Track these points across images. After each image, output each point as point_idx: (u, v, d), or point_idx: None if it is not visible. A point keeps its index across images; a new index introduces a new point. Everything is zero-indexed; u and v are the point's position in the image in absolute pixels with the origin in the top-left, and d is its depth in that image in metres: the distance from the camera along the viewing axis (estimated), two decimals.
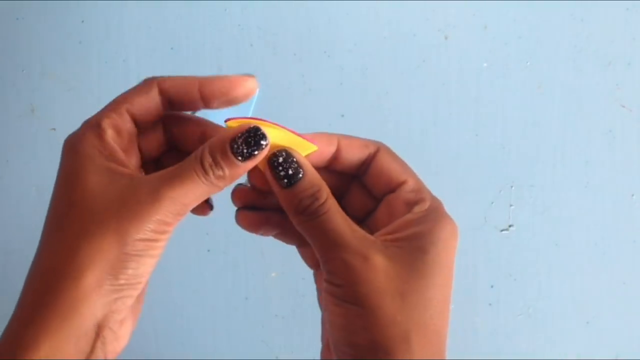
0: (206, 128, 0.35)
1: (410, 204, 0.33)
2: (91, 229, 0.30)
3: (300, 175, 0.33)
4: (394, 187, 0.34)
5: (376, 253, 0.31)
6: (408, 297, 0.31)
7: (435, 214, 0.33)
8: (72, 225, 0.30)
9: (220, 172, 0.32)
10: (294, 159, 0.33)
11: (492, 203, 0.57)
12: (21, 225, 0.56)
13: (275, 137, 0.33)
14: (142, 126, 0.34)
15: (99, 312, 0.30)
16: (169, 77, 0.34)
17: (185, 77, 0.34)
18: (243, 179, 0.36)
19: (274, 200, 0.34)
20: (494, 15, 0.56)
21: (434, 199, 0.34)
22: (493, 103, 0.56)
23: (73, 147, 0.32)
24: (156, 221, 0.31)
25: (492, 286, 0.58)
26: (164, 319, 0.58)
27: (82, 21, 0.56)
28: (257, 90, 0.57)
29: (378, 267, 0.31)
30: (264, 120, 0.33)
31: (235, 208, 0.37)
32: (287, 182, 0.33)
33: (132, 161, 0.34)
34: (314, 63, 0.56)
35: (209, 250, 0.57)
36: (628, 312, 0.58)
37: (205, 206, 0.36)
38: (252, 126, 0.32)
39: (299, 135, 0.34)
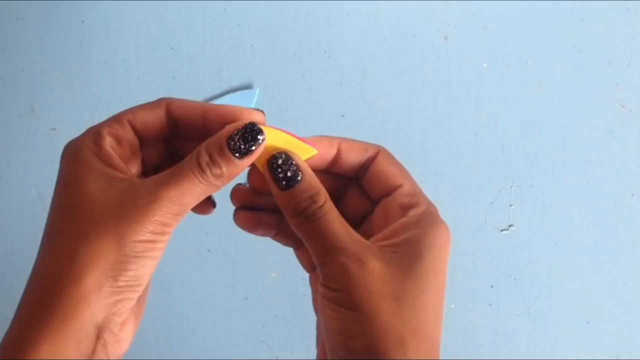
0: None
1: (405, 208, 0.33)
2: (90, 231, 0.30)
3: (299, 178, 0.33)
4: (390, 191, 0.35)
5: (373, 258, 0.31)
6: (404, 301, 0.31)
7: (429, 219, 0.33)
8: (71, 229, 0.31)
9: (217, 171, 0.32)
10: (293, 162, 0.33)
11: (492, 203, 0.57)
12: (21, 225, 0.56)
13: (276, 140, 0.33)
14: (144, 139, 0.34)
15: (99, 314, 0.30)
16: (179, 100, 0.34)
17: (193, 103, 0.34)
18: (242, 178, 0.36)
19: (273, 201, 0.34)
20: (494, 15, 0.56)
21: (429, 204, 0.34)
22: (493, 103, 0.56)
23: (72, 153, 0.32)
24: (155, 222, 0.31)
25: (492, 286, 0.58)
26: (164, 319, 0.58)
27: (82, 21, 0.56)
28: (258, 90, 0.57)
29: (374, 272, 0.31)
30: (265, 125, 0.33)
31: (234, 208, 0.37)
32: (285, 184, 0.33)
33: (132, 169, 0.35)
34: (314, 63, 0.56)
35: (209, 250, 0.57)
36: (628, 312, 0.58)
37: (208, 204, 0.36)
38: (248, 122, 0.32)
39: (300, 139, 0.34)
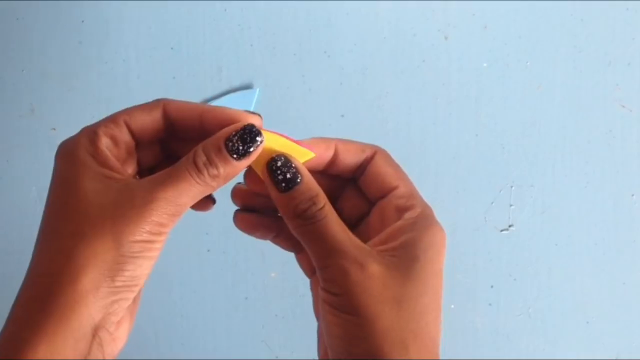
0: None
1: (401, 210, 0.33)
2: (87, 231, 0.30)
3: (298, 180, 0.33)
4: (386, 192, 0.35)
5: (372, 261, 0.31)
6: (404, 305, 0.31)
7: (425, 221, 0.33)
8: (68, 229, 0.31)
9: (214, 171, 0.32)
10: (292, 164, 0.33)
11: (492, 203, 0.57)
12: (21, 225, 0.56)
13: (273, 143, 0.33)
14: (140, 140, 0.34)
15: (97, 314, 0.30)
16: (176, 101, 0.34)
17: (190, 104, 0.34)
18: (241, 179, 0.36)
19: (272, 203, 0.34)
20: (494, 15, 0.56)
21: (425, 206, 0.34)
22: (493, 103, 0.56)
23: (67, 152, 0.32)
24: (151, 222, 0.31)
25: (492, 286, 0.58)
26: (164, 319, 0.58)
27: (82, 21, 0.56)
28: (258, 90, 0.57)
29: (375, 276, 0.31)
30: (262, 128, 0.33)
31: (234, 209, 0.37)
32: (285, 186, 0.33)
33: (128, 170, 0.34)
34: (314, 63, 0.56)
35: (209, 250, 0.57)
36: (628, 312, 0.58)
37: (207, 201, 0.36)
38: (247, 124, 0.32)
39: (296, 142, 0.34)
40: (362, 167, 0.35)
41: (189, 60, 0.56)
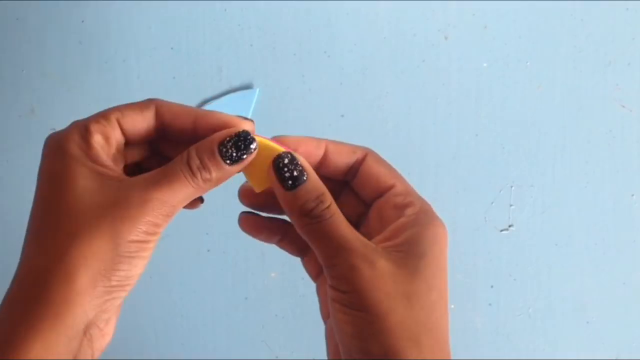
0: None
1: (400, 208, 0.34)
2: (84, 230, 0.30)
3: (305, 178, 0.33)
4: (382, 192, 0.35)
5: (380, 258, 0.31)
6: (414, 300, 0.31)
7: (426, 216, 0.33)
8: (63, 226, 0.30)
9: (207, 175, 0.32)
10: (298, 162, 0.33)
11: (492, 203, 0.57)
12: (21, 225, 0.56)
13: (264, 150, 0.34)
14: (130, 139, 0.34)
15: (91, 313, 0.30)
16: (168, 103, 0.34)
17: (183, 107, 0.34)
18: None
19: (278, 206, 0.34)
20: (494, 15, 0.56)
21: (423, 202, 0.34)
22: (493, 103, 0.56)
23: (58, 147, 0.32)
24: (147, 223, 0.31)
25: (492, 286, 0.58)
26: (164, 319, 0.58)
27: (82, 21, 0.56)
28: (257, 90, 0.57)
29: (385, 272, 0.31)
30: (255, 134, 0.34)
31: (238, 211, 0.37)
32: (291, 184, 0.33)
33: (118, 167, 0.34)
34: (314, 63, 0.56)
35: (209, 250, 0.57)
36: (628, 312, 0.58)
37: (196, 200, 0.36)
38: (241, 130, 0.33)
39: (288, 149, 0.34)
40: (354, 169, 0.35)
41: (189, 60, 0.56)
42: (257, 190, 0.35)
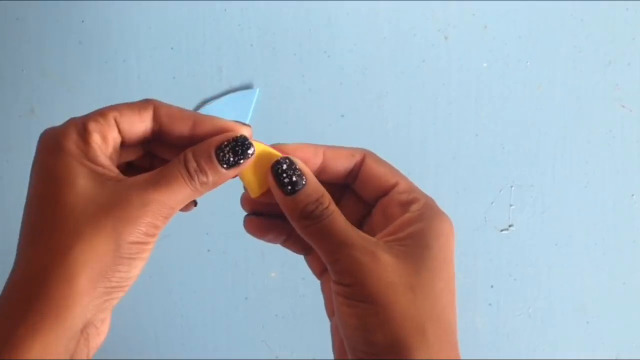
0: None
1: (405, 205, 0.34)
2: (85, 230, 0.30)
3: (304, 182, 0.33)
4: (386, 191, 0.35)
5: (382, 251, 0.32)
6: (418, 290, 0.31)
7: (431, 211, 0.33)
8: (64, 225, 0.30)
9: (204, 179, 0.32)
10: (297, 166, 0.33)
11: (492, 203, 0.57)
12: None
13: (261, 155, 0.34)
14: (127, 140, 0.34)
15: (90, 313, 0.30)
16: (167, 105, 0.34)
17: (181, 110, 0.34)
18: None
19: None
20: (494, 15, 0.56)
21: (427, 197, 0.34)
22: (493, 103, 0.56)
23: (55, 144, 0.32)
24: (147, 224, 0.31)
25: (492, 286, 0.58)
26: (164, 319, 0.58)
27: (82, 21, 0.56)
28: (258, 90, 0.57)
29: (387, 264, 0.31)
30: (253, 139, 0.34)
31: (238, 211, 0.37)
32: (291, 189, 0.33)
33: (114, 167, 0.34)
34: (314, 63, 0.56)
35: (209, 250, 0.57)
36: (628, 312, 0.58)
37: (190, 203, 0.36)
38: (239, 135, 0.33)
39: (283, 154, 0.34)
40: (354, 172, 0.35)
41: (189, 60, 0.56)
42: (253, 195, 0.35)
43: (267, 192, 0.34)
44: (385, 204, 0.35)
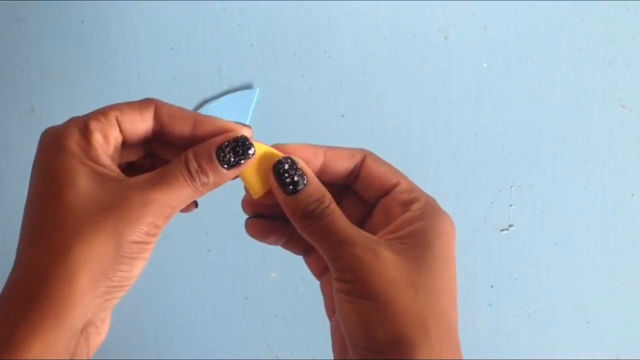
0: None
1: (406, 204, 0.34)
2: (86, 230, 0.30)
3: (305, 182, 0.33)
4: (387, 190, 0.35)
5: (383, 248, 0.32)
6: (420, 287, 0.31)
7: (432, 210, 0.34)
8: (65, 225, 0.30)
9: (205, 179, 0.32)
10: (298, 166, 0.33)
11: (492, 203, 0.57)
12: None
13: (261, 155, 0.34)
14: (128, 139, 0.34)
15: (90, 313, 0.30)
16: (168, 105, 0.34)
17: (182, 110, 0.34)
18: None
19: (282, 210, 0.34)
20: (494, 15, 0.56)
21: (428, 197, 0.35)
22: (493, 103, 0.56)
23: (57, 143, 0.32)
24: (148, 224, 0.31)
25: (492, 286, 0.58)
26: (164, 319, 0.58)
27: (82, 21, 0.56)
28: (258, 90, 0.57)
29: (388, 260, 0.31)
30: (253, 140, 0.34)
31: (238, 211, 0.37)
32: (292, 189, 0.33)
33: (115, 167, 0.34)
34: (314, 63, 0.56)
35: (209, 250, 0.57)
36: (628, 312, 0.58)
37: (191, 203, 0.36)
38: (240, 136, 0.33)
39: (284, 154, 0.34)
40: (355, 172, 0.36)
41: (189, 60, 0.56)
42: (255, 196, 0.35)
43: (268, 193, 0.34)
44: (387, 203, 0.35)
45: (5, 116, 0.57)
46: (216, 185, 0.33)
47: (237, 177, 0.34)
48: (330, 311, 0.36)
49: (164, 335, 0.58)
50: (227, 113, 0.55)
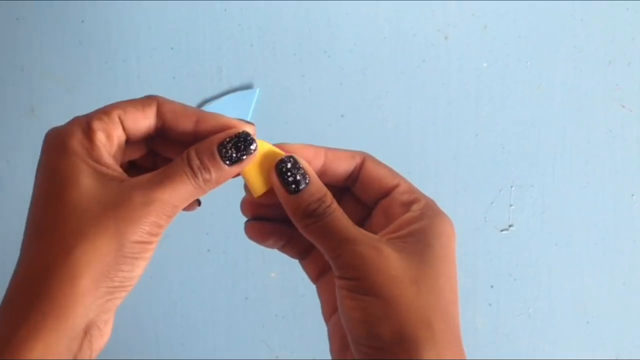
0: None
1: (406, 205, 0.34)
2: (89, 230, 0.30)
3: (307, 181, 0.33)
4: (387, 192, 0.35)
5: (385, 246, 0.32)
6: (422, 285, 0.31)
7: (432, 211, 0.34)
8: (67, 225, 0.30)
9: (207, 176, 0.32)
10: (301, 165, 0.33)
11: (492, 203, 0.57)
12: (21, 226, 0.56)
13: (263, 153, 0.34)
14: (131, 137, 0.34)
15: (92, 313, 0.30)
16: (170, 102, 0.34)
17: (185, 107, 0.34)
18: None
19: (281, 211, 0.34)
20: (494, 15, 0.56)
21: (428, 198, 0.35)
22: (493, 103, 0.56)
23: (60, 143, 0.32)
24: (150, 223, 0.31)
25: (492, 286, 0.58)
26: (164, 319, 0.58)
27: (82, 21, 0.56)
28: (258, 90, 0.57)
29: (390, 257, 0.31)
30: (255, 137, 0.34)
31: (238, 212, 0.37)
32: (294, 188, 0.33)
33: (118, 166, 0.34)
34: (314, 63, 0.56)
35: (209, 250, 0.57)
36: (628, 312, 0.58)
37: (194, 202, 0.36)
38: (242, 131, 0.33)
39: (286, 153, 0.34)
40: (354, 174, 0.36)
41: (189, 60, 0.56)
42: (256, 195, 0.35)
43: (269, 193, 0.34)
44: (387, 204, 0.35)
45: (5, 116, 0.57)
46: (218, 182, 0.33)
47: (238, 174, 0.34)
48: (327, 315, 0.36)
49: (164, 335, 0.58)
50: (227, 113, 0.55)
